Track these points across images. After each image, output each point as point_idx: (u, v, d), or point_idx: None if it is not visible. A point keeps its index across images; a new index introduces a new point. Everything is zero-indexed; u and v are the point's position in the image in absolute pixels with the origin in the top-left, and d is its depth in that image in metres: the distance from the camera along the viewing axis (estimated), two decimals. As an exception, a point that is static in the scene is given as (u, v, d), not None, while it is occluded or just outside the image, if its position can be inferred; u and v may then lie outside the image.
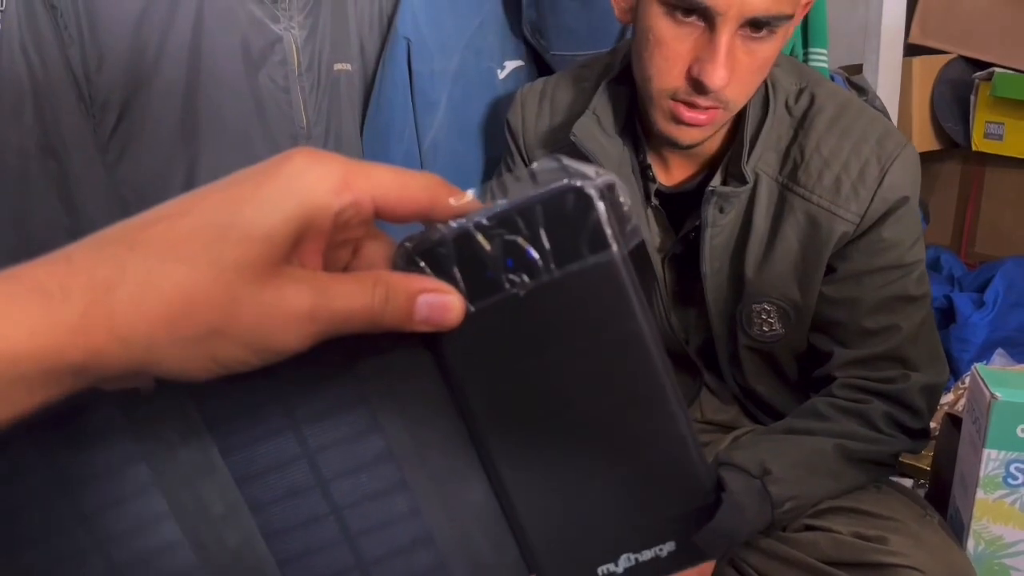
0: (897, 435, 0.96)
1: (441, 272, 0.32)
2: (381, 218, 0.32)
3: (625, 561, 0.35)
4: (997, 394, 0.89)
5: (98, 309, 0.26)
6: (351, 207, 0.30)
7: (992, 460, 0.90)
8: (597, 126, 1.00)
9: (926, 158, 2.06)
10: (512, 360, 0.33)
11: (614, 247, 0.31)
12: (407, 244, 0.32)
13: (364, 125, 1.27)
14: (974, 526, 0.92)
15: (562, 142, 1.02)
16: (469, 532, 0.35)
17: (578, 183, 0.31)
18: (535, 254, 0.31)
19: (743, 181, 0.95)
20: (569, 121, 1.02)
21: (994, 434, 0.89)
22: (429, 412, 0.34)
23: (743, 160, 0.94)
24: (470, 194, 0.33)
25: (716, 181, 0.96)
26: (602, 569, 0.35)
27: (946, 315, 1.81)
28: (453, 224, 0.32)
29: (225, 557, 0.34)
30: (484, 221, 0.31)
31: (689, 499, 0.35)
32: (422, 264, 0.32)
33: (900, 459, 1.37)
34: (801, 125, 0.96)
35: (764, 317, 1.01)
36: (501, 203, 0.31)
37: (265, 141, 1.12)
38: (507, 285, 0.32)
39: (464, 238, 0.31)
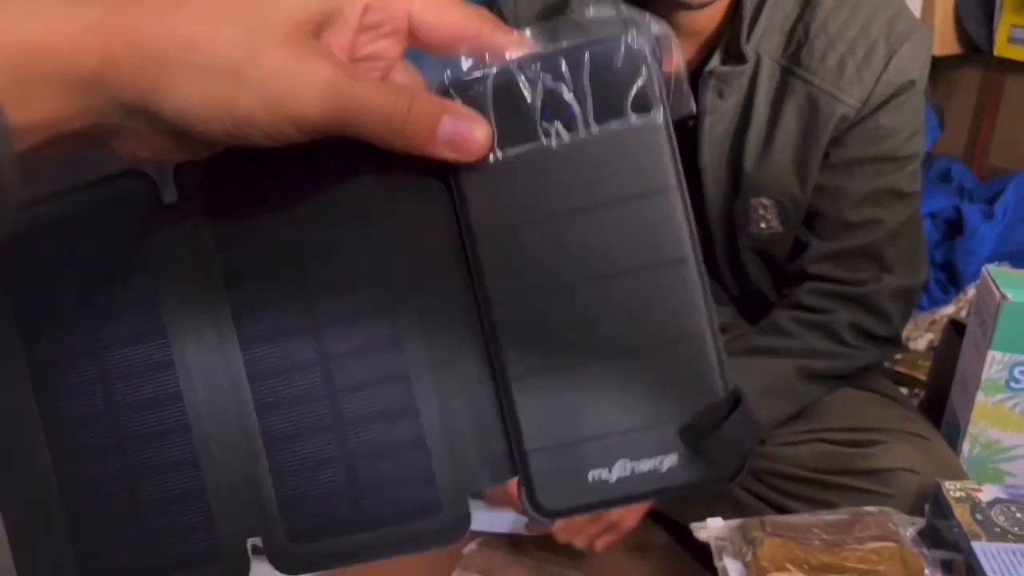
0: (864, 345, 0.94)
1: (475, 109, 0.29)
2: (417, 39, 0.30)
3: (620, 469, 0.31)
4: (1008, 294, 0.85)
5: (120, 15, 0.25)
6: (382, 8, 0.29)
7: (996, 362, 0.86)
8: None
9: (945, 63, 1.97)
10: (534, 217, 0.30)
11: (660, 110, 0.29)
12: (444, 76, 0.30)
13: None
14: (971, 429, 0.89)
15: (557, 16, 0.95)
16: (455, 409, 0.32)
17: (630, 37, 0.29)
18: (576, 106, 0.29)
19: (742, 60, 0.89)
20: None
21: (1001, 335, 0.85)
22: (436, 271, 0.31)
23: (742, 38, 0.88)
24: (521, 34, 0.30)
25: (715, 61, 0.90)
26: (593, 474, 0.31)
27: (954, 226, 1.76)
28: (495, 63, 0.30)
29: (214, 424, 0.33)
30: (527, 64, 0.29)
31: (701, 406, 0.31)
32: (455, 97, 0.29)
33: (895, 369, 1.35)
34: (808, 1, 0.90)
35: (762, 213, 0.97)
36: (547, 48, 0.30)
37: None
38: (541, 135, 0.30)
39: (504, 79, 0.29)
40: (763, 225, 0.98)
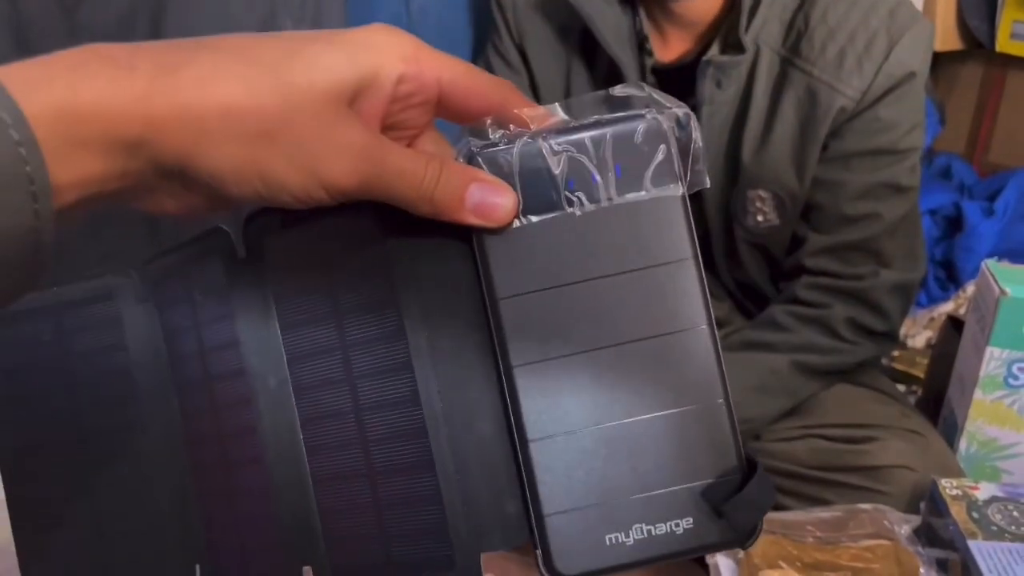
0: (860, 340, 0.93)
1: (501, 178, 0.31)
2: (445, 110, 0.31)
3: (637, 532, 0.32)
4: (1007, 290, 0.83)
5: (163, 82, 0.26)
6: (415, 80, 0.30)
7: (994, 359, 0.85)
8: None
9: (947, 59, 1.96)
10: (554, 282, 0.31)
11: (679, 184, 0.31)
12: (472, 145, 0.31)
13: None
14: (968, 427, 0.88)
15: (558, 5, 0.94)
16: (470, 467, 0.32)
17: (652, 115, 0.30)
18: (598, 178, 0.31)
19: (741, 50, 0.88)
20: None
21: (999, 331, 0.84)
22: (457, 326, 0.32)
23: (741, 28, 0.87)
24: (544, 109, 0.32)
25: (713, 51, 0.89)
26: (611, 537, 0.32)
27: (954, 223, 1.75)
28: (521, 134, 0.31)
29: (279, 456, 0.34)
30: (552, 136, 0.30)
31: (717, 471, 0.31)
32: (482, 166, 0.31)
33: (893, 366, 1.34)
34: None
35: (759, 206, 0.96)
36: (572, 122, 0.31)
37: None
38: (565, 204, 0.31)
39: (530, 151, 0.30)
40: (760, 218, 0.97)
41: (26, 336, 0.36)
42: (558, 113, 0.32)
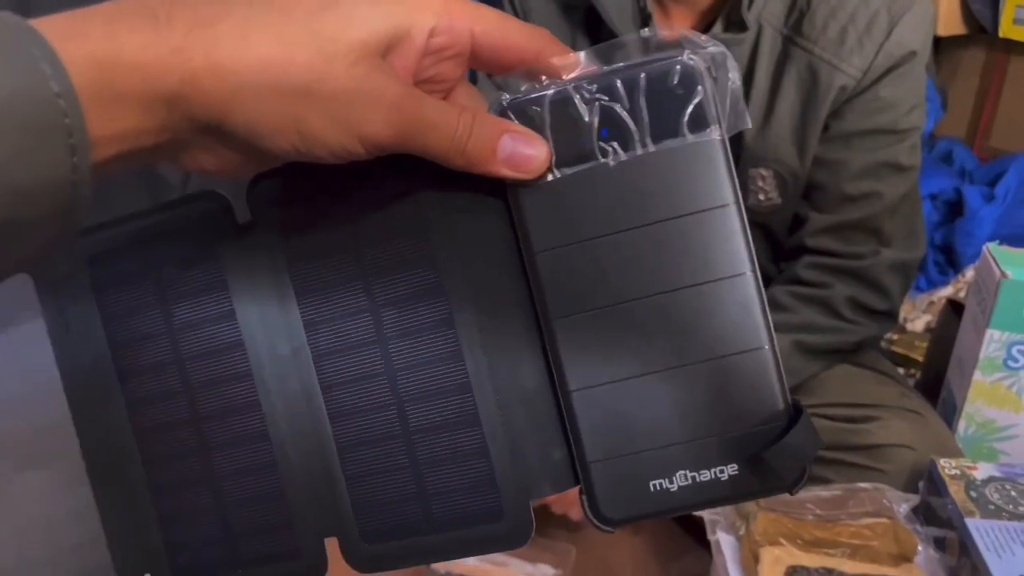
0: (861, 320, 0.93)
1: (533, 130, 0.30)
2: (478, 61, 0.31)
3: (681, 479, 0.31)
4: (1008, 272, 0.84)
5: (200, 35, 0.26)
6: (447, 33, 0.29)
7: (994, 341, 0.86)
8: None
9: (949, 44, 1.95)
10: (591, 234, 0.30)
11: (716, 128, 0.30)
12: (502, 98, 0.30)
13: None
14: (967, 408, 0.89)
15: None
16: (515, 419, 0.32)
17: (686, 56, 0.29)
18: (632, 125, 0.30)
19: (743, 29, 0.88)
20: None
21: (1000, 314, 0.84)
22: (496, 281, 0.32)
23: (743, 6, 0.87)
24: (579, 56, 0.31)
25: (716, 29, 0.89)
26: (655, 483, 0.32)
27: (954, 208, 1.75)
28: (552, 84, 0.30)
29: (281, 401, 0.34)
30: (584, 85, 0.30)
31: (761, 417, 0.31)
32: (514, 118, 0.30)
33: (892, 349, 1.35)
34: None
35: (760, 184, 0.96)
36: (605, 69, 0.30)
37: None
38: (599, 155, 0.30)
39: (561, 100, 0.30)
40: (762, 197, 0.97)
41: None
42: (592, 60, 0.31)
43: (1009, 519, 0.71)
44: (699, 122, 0.29)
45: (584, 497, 0.32)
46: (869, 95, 0.90)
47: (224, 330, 0.34)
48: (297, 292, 0.33)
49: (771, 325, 0.31)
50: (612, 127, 0.30)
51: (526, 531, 0.33)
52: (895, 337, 1.42)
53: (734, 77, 0.30)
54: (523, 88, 0.31)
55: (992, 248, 0.89)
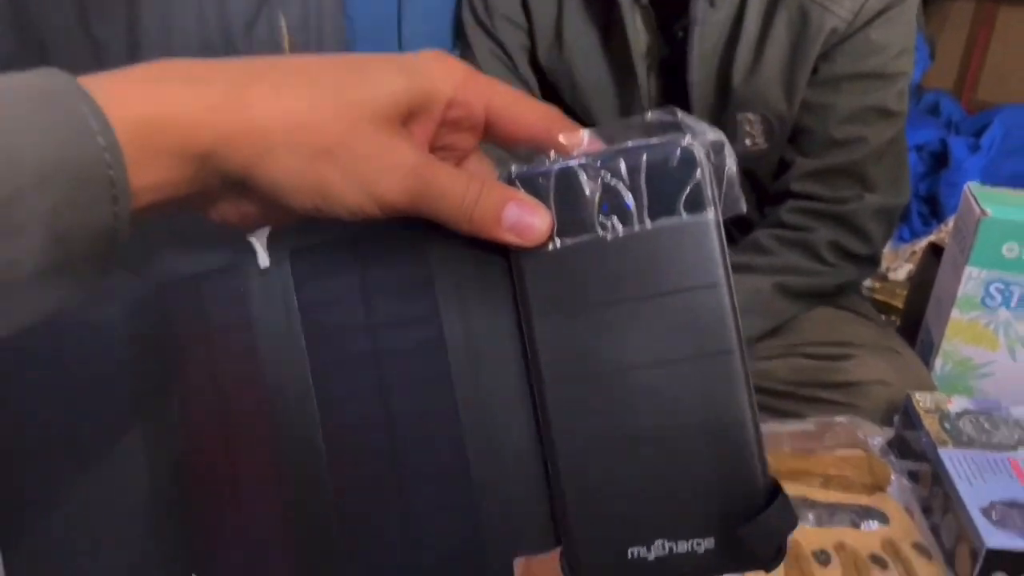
0: (842, 264, 0.94)
1: (538, 200, 0.31)
2: (491, 134, 0.33)
3: (658, 548, 0.32)
4: (987, 210, 0.84)
5: (235, 95, 0.28)
6: (464, 106, 0.32)
7: (972, 279, 0.86)
8: None
9: (939, -6, 1.94)
10: (586, 303, 0.32)
11: (711, 210, 0.31)
12: (510, 168, 0.32)
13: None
14: (944, 346, 0.89)
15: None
16: (503, 476, 0.33)
17: (686, 141, 0.31)
18: (631, 202, 0.31)
19: None
20: None
21: (979, 251, 0.85)
22: (493, 339, 0.33)
23: None
24: (584, 134, 0.33)
25: None
26: (632, 551, 0.32)
27: (940, 159, 1.75)
28: (559, 159, 0.32)
29: (279, 391, 0.35)
30: (589, 162, 0.31)
31: (740, 493, 0.31)
32: (520, 187, 0.32)
33: (873, 297, 1.36)
34: None
35: (748, 129, 0.95)
36: (609, 147, 0.32)
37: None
38: (598, 228, 0.31)
39: (566, 174, 0.31)
40: (748, 142, 0.96)
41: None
42: (596, 138, 0.33)
43: (982, 449, 0.72)
44: (695, 204, 0.31)
45: (563, 559, 0.33)
46: (860, 37, 0.89)
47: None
48: (308, 347, 0.35)
49: (755, 403, 0.31)
50: (612, 203, 0.31)
51: None
52: (877, 285, 1.43)
53: (731, 163, 0.31)
54: (535, 160, 0.32)
55: (973, 187, 0.89)
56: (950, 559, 0.66)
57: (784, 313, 0.94)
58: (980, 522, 0.64)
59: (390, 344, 0.33)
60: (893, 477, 0.74)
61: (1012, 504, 0.66)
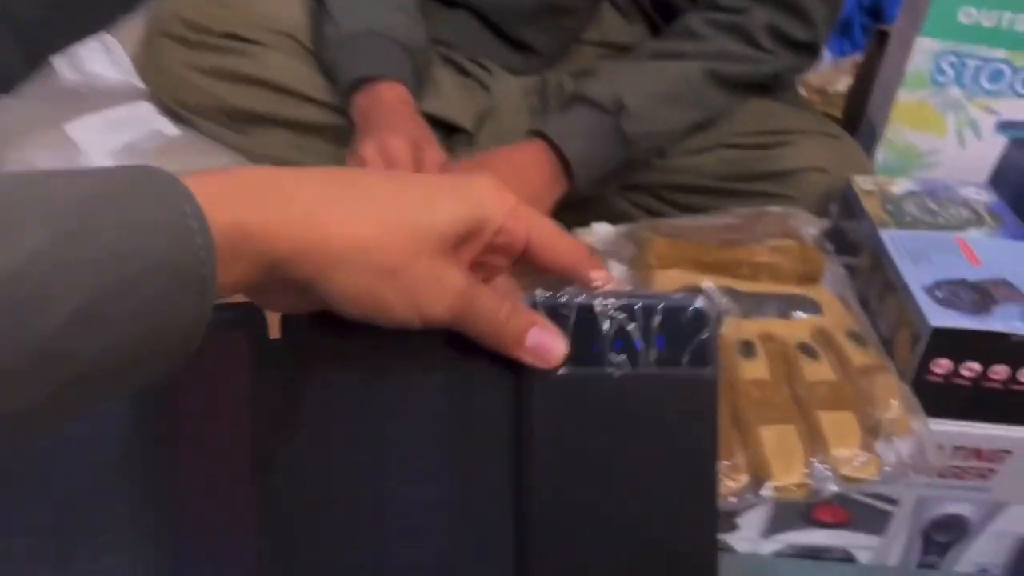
0: (779, 50, 0.83)
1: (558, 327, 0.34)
2: (527, 260, 0.35)
3: None
4: (945, -30, 0.73)
5: (316, 212, 0.30)
6: (509, 233, 0.34)
7: (923, 52, 0.76)
8: None
9: None
10: (585, 431, 0.34)
11: (712, 367, 0.34)
12: (537, 292, 0.34)
13: None
14: (888, 133, 0.80)
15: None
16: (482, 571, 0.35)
17: (702, 304, 0.34)
18: (642, 346, 0.34)
19: None
20: None
21: (933, 19, 0.74)
22: (489, 455, 0.34)
23: None
24: (612, 275, 0.36)
25: None
26: None
27: (885, -34, 1.62)
28: (582, 292, 0.34)
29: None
30: (609, 302, 0.34)
31: None
32: (543, 314, 0.34)
33: (810, 100, 1.26)
34: None
35: None
36: (630, 291, 0.35)
37: None
38: (608, 363, 0.34)
39: (586, 308, 0.34)
40: None
41: None
42: (622, 283, 0.30)
43: (927, 229, 0.64)
44: (699, 359, 0.34)
45: None
46: None
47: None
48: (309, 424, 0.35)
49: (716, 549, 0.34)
50: (625, 342, 0.33)
51: None
52: (816, 98, 1.34)
53: (725, 331, 0.36)
54: (558, 290, 0.34)
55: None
56: (888, 347, 0.59)
57: (715, 104, 0.83)
58: (924, 302, 0.56)
59: (389, 432, 0.34)
60: (827, 267, 0.66)
61: (959, 283, 0.58)
